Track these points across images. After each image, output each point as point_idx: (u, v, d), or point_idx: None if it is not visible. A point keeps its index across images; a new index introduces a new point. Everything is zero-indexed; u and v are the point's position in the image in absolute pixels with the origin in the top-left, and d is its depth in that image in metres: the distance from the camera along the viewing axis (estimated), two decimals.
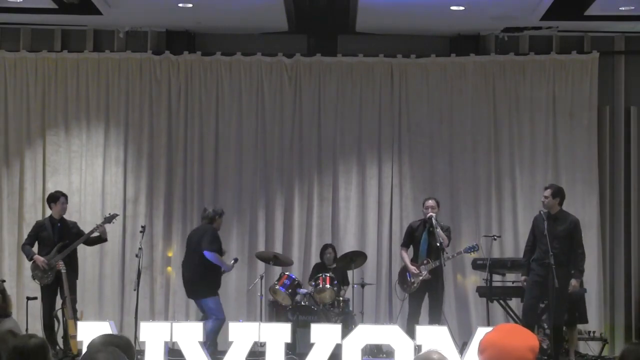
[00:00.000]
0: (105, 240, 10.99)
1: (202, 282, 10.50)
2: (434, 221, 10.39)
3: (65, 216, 10.96)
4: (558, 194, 10.07)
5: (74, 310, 10.42)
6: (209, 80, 12.42)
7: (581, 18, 11.46)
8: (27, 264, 11.92)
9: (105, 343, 4.28)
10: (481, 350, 3.77)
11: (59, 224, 10.72)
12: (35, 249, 10.79)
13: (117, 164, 12.35)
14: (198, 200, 12.29)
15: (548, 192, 10.08)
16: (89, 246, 11.08)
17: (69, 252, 10.57)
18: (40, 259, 10.56)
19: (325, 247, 11.69)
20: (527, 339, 3.76)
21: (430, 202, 10.62)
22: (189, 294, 10.80)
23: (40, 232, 10.76)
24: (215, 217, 10.70)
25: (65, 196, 10.90)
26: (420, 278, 10.46)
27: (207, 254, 10.41)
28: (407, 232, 10.92)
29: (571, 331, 10.72)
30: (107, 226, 11.13)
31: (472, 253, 10.87)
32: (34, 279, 10.75)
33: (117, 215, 11.13)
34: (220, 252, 10.62)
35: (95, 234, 10.77)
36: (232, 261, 10.94)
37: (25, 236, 11.50)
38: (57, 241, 10.60)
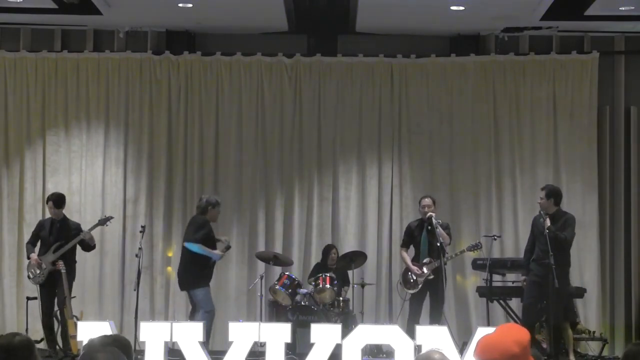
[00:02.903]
0: (93, 246, 10.90)
1: (190, 272, 10.42)
2: (434, 220, 10.39)
3: (69, 217, 10.95)
4: (552, 194, 10.07)
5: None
6: (209, 80, 12.42)
7: (581, 18, 11.47)
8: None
9: (104, 343, 4.28)
10: (475, 348, 3.84)
11: (57, 225, 10.71)
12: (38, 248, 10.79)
13: (117, 164, 12.35)
14: (198, 200, 12.26)
15: (542, 194, 10.10)
16: (85, 251, 11.01)
17: (65, 253, 10.53)
18: (33, 257, 10.58)
19: (329, 248, 11.69)
20: (514, 334, 3.79)
21: (427, 201, 10.63)
22: (180, 286, 10.76)
23: (40, 231, 10.77)
24: (208, 207, 10.53)
25: (54, 200, 10.74)
26: (424, 277, 10.46)
27: (188, 245, 10.33)
28: (406, 232, 10.93)
29: (564, 330, 10.66)
30: (104, 227, 11.09)
31: (474, 251, 10.87)
32: (28, 278, 10.76)
33: (111, 217, 11.09)
34: (207, 242, 10.41)
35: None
36: (224, 249, 10.58)
37: (25, 236, 11.51)
38: (53, 241, 10.59)
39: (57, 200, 10.79)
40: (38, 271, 10.52)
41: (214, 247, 10.51)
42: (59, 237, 10.61)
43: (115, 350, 3.95)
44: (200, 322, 9.75)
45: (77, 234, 10.73)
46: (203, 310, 10.34)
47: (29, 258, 10.70)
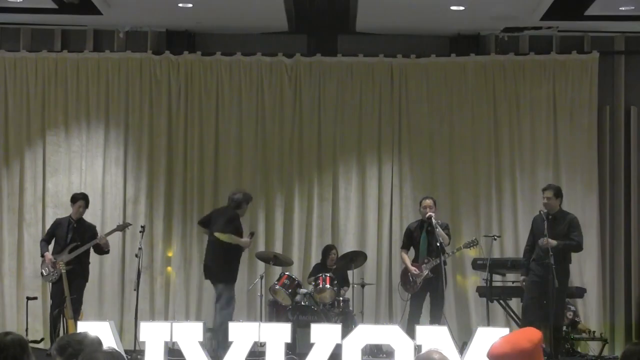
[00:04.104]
0: (107, 251, 10.90)
1: (220, 267, 10.55)
2: (433, 221, 10.39)
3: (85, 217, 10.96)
4: (559, 193, 10.15)
5: (75, 311, 10.37)
6: (209, 80, 12.42)
7: (581, 18, 11.48)
8: (27, 264, 11.96)
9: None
10: (489, 347, 4.00)
11: (74, 225, 10.70)
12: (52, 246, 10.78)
13: (117, 164, 12.35)
14: (198, 200, 12.29)
15: (550, 193, 10.09)
16: (98, 254, 10.95)
17: (79, 254, 10.53)
18: (48, 256, 10.56)
19: (329, 248, 11.68)
20: (527, 333, 3.96)
21: (428, 202, 10.62)
22: (212, 277, 10.70)
23: (56, 229, 10.75)
24: (242, 203, 10.68)
25: (85, 199, 10.80)
26: (422, 277, 10.46)
27: (218, 235, 10.48)
28: (405, 234, 10.91)
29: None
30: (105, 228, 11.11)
31: (471, 248, 10.86)
32: (42, 276, 10.75)
33: (130, 224, 11.10)
34: (237, 233, 10.59)
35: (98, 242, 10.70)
36: (249, 236, 10.79)
37: (25, 236, 11.48)
38: (69, 241, 10.58)
39: (88, 200, 10.82)
40: (53, 270, 10.51)
41: None
42: (75, 238, 10.59)
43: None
44: (223, 317, 10.07)
45: (92, 235, 10.70)
46: (233, 306, 10.49)
47: (42, 256, 10.68)
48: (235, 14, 11.67)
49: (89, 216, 11.84)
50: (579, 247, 10.04)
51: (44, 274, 10.62)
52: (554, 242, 9.77)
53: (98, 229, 11.06)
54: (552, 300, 9.71)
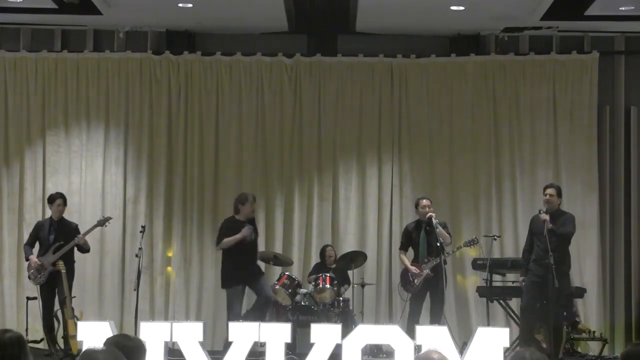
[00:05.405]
0: (87, 250, 10.90)
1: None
2: (434, 221, 10.39)
3: (67, 217, 10.95)
4: (561, 193, 10.20)
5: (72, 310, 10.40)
6: (209, 80, 12.42)
7: (581, 18, 11.47)
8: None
9: (115, 343, 4.25)
10: None
11: (56, 224, 10.72)
12: (37, 249, 10.79)
13: (117, 164, 12.35)
14: (198, 200, 12.29)
15: (553, 191, 10.10)
16: (81, 253, 10.97)
17: (65, 254, 10.53)
18: (32, 259, 10.58)
19: (325, 247, 11.69)
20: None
21: (427, 202, 10.65)
22: (255, 278, 10.67)
23: (39, 232, 10.78)
24: (237, 206, 10.72)
25: (63, 198, 10.84)
26: (423, 277, 10.46)
27: None
28: (403, 235, 10.91)
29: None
30: (103, 227, 11.08)
31: (472, 247, 10.86)
32: (29, 279, 10.76)
33: (110, 218, 11.07)
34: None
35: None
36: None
37: (25, 236, 11.48)
38: (52, 242, 10.59)
39: (66, 199, 10.82)
40: (39, 272, 10.52)
41: None
42: (58, 238, 10.61)
43: (115, 350, 3.94)
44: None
45: (75, 234, 10.72)
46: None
47: (27, 260, 10.70)
48: (235, 14, 11.67)
49: (89, 216, 11.89)
50: (565, 235, 10.02)
51: (32, 277, 10.63)
52: (546, 218, 9.82)
53: (98, 229, 11.04)
54: (552, 300, 9.72)
